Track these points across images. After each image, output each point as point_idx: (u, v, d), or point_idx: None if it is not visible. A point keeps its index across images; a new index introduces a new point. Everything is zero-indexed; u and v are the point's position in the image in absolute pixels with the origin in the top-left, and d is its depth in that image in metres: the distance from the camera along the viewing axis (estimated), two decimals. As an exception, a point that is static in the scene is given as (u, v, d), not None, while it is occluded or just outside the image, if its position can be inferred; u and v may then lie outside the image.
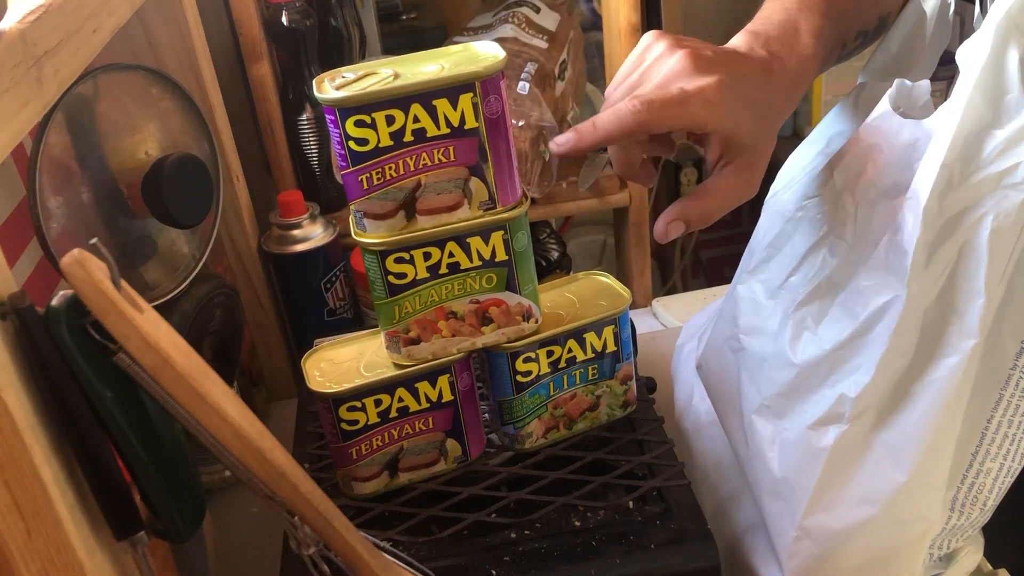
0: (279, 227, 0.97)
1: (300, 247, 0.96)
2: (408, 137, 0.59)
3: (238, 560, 0.82)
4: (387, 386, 0.66)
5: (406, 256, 0.62)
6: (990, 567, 0.71)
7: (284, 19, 1.00)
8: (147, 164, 0.72)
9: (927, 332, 0.56)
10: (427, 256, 0.63)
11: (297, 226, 0.97)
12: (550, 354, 0.69)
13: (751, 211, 0.70)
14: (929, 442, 0.57)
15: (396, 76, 0.60)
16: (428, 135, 0.59)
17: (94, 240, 0.42)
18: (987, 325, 0.55)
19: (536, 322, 0.67)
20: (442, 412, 0.68)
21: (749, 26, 0.60)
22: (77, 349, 0.41)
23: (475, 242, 0.63)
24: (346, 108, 0.58)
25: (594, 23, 1.34)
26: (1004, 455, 0.60)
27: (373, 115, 0.58)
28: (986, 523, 0.65)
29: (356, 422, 0.66)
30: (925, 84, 0.61)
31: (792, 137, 1.56)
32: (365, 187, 0.60)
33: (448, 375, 0.67)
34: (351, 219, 0.63)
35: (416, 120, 0.59)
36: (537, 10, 1.12)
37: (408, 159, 0.60)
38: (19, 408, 0.38)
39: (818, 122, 1.47)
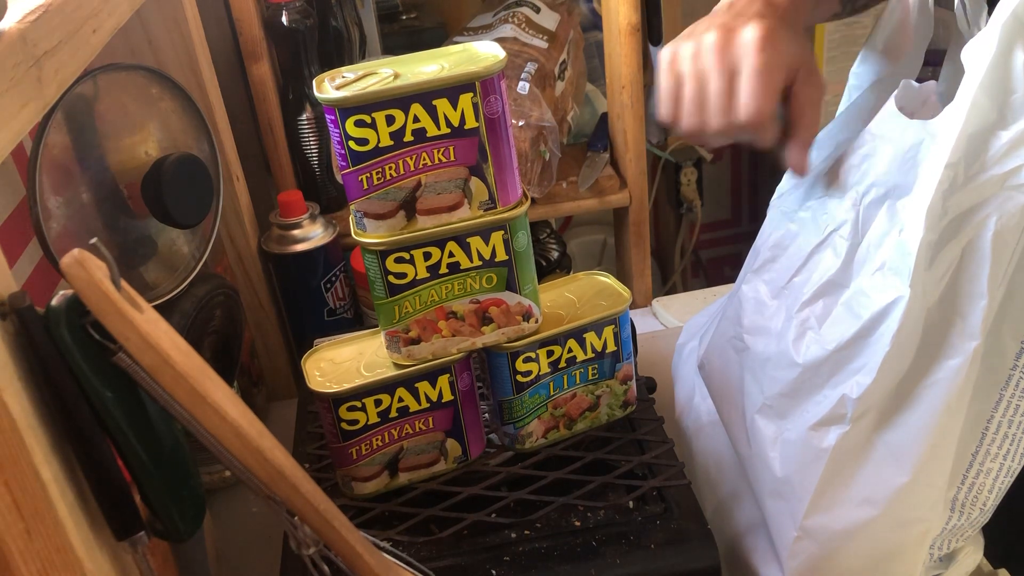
0: (279, 227, 0.97)
1: (300, 247, 0.96)
2: (408, 137, 0.59)
3: (238, 560, 0.82)
4: (387, 386, 0.66)
5: (406, 256, 0.62)
6: (990, 567, 0.71)
7: (284, 19, 1.00)
8: (147, 164, 0.72)
9: (929, 333, 0.56)
10: (427, 256, 0.63)
11: (297, 226, 0.97)
12: (550, 354, 0.69)
13: (751, 211, 0.70)
14: (930, 443, 0.57)
15: (396, 76, 0.60)
16: (428, 135, 0.59)
17: (94, 240, 0.42)
18: (988, 326, 0.55)
19: (536, 322, 0.67)
20: (442, 412, 0.68)
21: None
22: (77, 349, 0.41)
23: (475, 242, 0.63)
24: (346, 108, 0.58)
25: (594, 23, 1.34)
26: (1004, 455, 0.60)
27: (373, 115, 0.58)
28: (986, 523, 0.65)
29: (356, 422, 0.66)
30: (930, 85, 0.61)
31: (792, 137, 1.55)
32: (365, 187, 0.60)
33: (448, 375, 0.67)
34: (351, 219, 0.63)
35: (416, 120, 0.59)
36: (537, 10, 1.12)
37: (408, 159, 0.60)
38: (19, 408, 0.38)
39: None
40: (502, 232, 0.63)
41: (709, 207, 1.67)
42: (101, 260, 0.42)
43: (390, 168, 0.60)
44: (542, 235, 1.17)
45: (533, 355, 0.68)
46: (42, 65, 0.47)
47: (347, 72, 0.61)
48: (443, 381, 0.67)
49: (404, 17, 1.34)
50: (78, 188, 0.67)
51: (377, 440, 0.67)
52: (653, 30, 1.33)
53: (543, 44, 1.08)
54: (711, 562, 0.64)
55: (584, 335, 0.69)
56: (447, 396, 0.68)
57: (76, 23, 0.53)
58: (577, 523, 0.67)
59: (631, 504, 0.68)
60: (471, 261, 0.63)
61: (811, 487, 0.60)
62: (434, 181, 0.61)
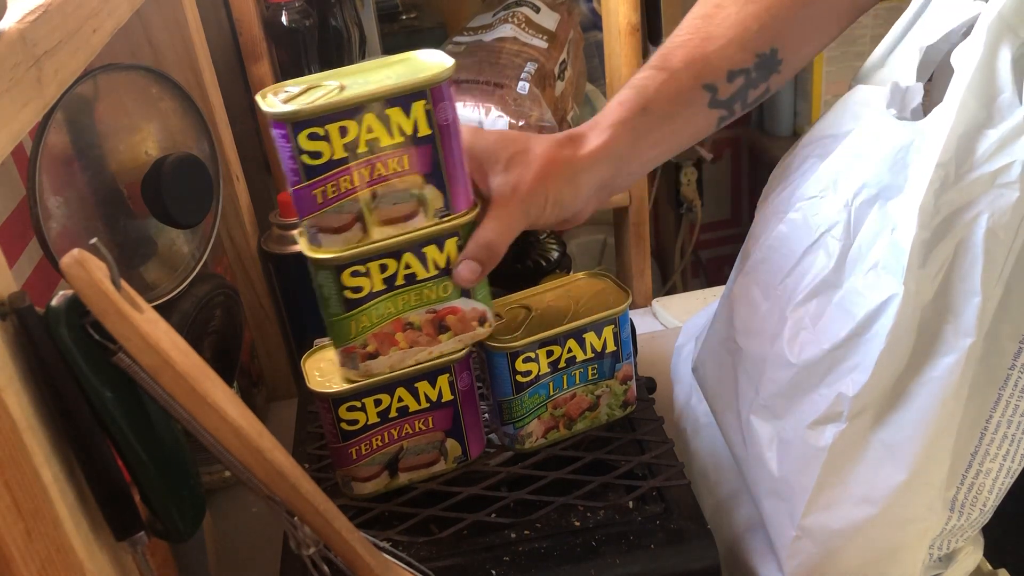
0: (279, 227, 0.97)
1: (300, 247, 0.96)
2: (362, 148, 0.58)
3: (238, 560, 0.83)
4: (387, 386, 0.66)
5: (362, 269, 0.61)
6: (990, 567, 0.71)
7: (284, 19, 1.00)
8: (147, 164, 0.72)
9: (924, 331, 0.56)
10: (383, 268, 0.61)
11: (297, 226, 0.97)
12: (550, 354, 0.69)
13: (751, 211, 0.70)
14: (928, 441, 0.57)
15: (342, 88, 0.58)
16: (382, 144, 0.58)
17: (94, 240, 0.42)
18: (984, 324, 0.55)
19: (490, 325, 0.67)
20: (442, 412, 0.68)
21: None
22: (77, 349, 0.41)
23: (431, 251, 0.62)
24: (299, 121, 0.56)
25: (594, 23, 1.34)
26: (1004, 455, 0.60)
27: (327, 127, 0.57)
28: (986, 523, 0.65)
29: (356, 422, 0.66)
30: (918, 87, 0.62)
31: (792, 137, 1.56)
32: (320, 201, 0.59)
33: (448, 375, 0.67)
34: (302, 237, 0.61)
35: (370, 130, 0.58)
36: (537, 10, 1.12)
37: (363, 170, 0.58)
38: (19, 408, 0.38)
39: (818, 122, 1.45)
40: (456, 239, 0.63)
41: (709, 207, 1.67)
42: (101, 260, 0.42)
43: (345, 180, 0.58)
44: (542, 235, 1.17)
45: (533, 355, 0.68)
46: (42, 65, 0.47)
47: (290, 86, 0.60)
48: (443, 381, 0.67)
49: (404, 17, 1.34)
50: (78, 188, 0.67)
51: (377, 440, 0.67)
52: (653, 30, 1.33)
53: (543, 44, 1.08)
54: (711, 562, 0.64)
55: (584, 335, 0.69)
56: (447, 396, 0.68)
57: (76, 23, 0.53)
58: (577, 523, 0.67)
59: (631, 504, 0.68)
60: (427, 271, 0.62)
61: (809, 486, 0.60)
62: (389, 191, 0.60)
